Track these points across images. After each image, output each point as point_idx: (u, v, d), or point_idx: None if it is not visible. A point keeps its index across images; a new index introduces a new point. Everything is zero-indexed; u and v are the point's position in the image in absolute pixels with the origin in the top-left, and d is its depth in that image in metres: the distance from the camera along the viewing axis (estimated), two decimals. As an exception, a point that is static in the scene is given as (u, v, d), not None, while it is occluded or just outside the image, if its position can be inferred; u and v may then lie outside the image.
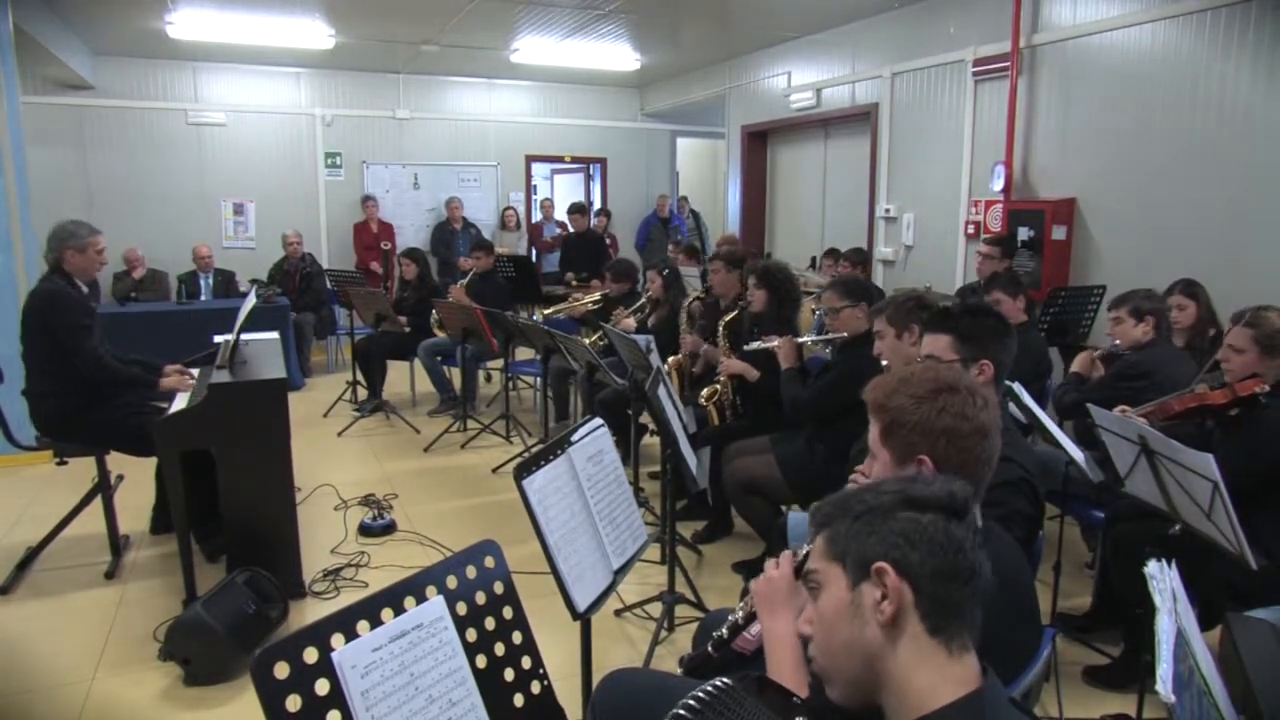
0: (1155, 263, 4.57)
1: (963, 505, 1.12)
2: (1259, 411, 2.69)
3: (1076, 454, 2.92)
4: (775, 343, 3.72)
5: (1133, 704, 2.52)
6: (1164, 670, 1.46)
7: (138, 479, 4.20)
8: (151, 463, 3.74)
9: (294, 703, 1.23)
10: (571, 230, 9.54)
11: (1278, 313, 2.77)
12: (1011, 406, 2.90)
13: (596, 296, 6.25)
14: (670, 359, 4.72)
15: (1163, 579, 1.59)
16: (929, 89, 6.32)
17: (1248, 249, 4.25)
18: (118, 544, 3.87)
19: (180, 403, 3.60)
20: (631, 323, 5.55)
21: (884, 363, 2.92)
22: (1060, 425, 3.17)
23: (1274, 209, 4.14)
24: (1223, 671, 1.65)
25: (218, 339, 4.20)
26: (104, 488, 3.79)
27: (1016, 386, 2.86)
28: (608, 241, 9.69)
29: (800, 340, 3.80)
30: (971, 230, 5.86)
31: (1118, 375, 3.46)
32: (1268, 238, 4.16)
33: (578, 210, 9.36)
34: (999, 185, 5.58)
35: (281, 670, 1.23)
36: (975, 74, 5.80)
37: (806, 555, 1.27)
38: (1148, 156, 4.75)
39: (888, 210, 6.80)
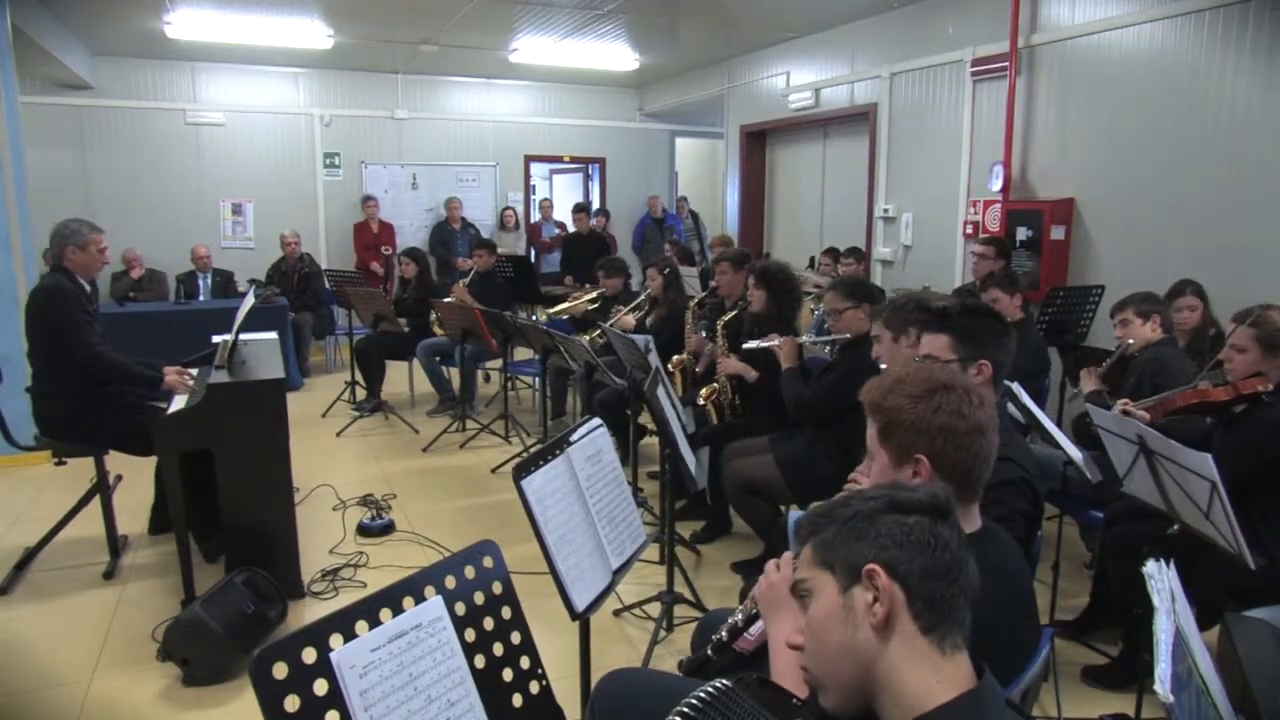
0: (1154, 263, 4.57)
1: (946, 506, 1.14)
2: (1261, 409, 2.70)
3: (1075, 454, 2.92)
4: (775, 342, 3.72)
5: (1131, 704, 2.53)
6: (1162, 670, 1.46)
7: (136, 479, 4.20)
8: (149, 463, 3.73)
9: (293, 703, 1.23)
10: (572, 230, 9.55)
11: (1279, 311, 2.78)
12: (1010, 406, 2.90)
13: (594, 295, 6.25)
14: (674, 358, 4.72)
15: (1161, 579, 1.59)
16: (928, 89, 6.32)
17: (1246, 248, 4.25)
18: (116, 544, 3.87)
19: (179, 403, 3.59)
20: (630, 320, 5.54)
21: (883, 366, 2.93)
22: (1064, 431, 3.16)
23: (1272, 208, 4.14)
24: (1221, 671, 1.65)
25: (216, 339, 4.20)
26: (102, 488, 3.78)
27: (1015, 386, 2.87)
28: (608, 241, 9.69)
29: (800, 340, 3.80)
30: (970, 230, 5.86)
31: (1143, 378, 3.39)
32: (1266, 237, 4.17)
33: (580, 210, 9.39)
34: (997, 185, 5.59)
35: (280, 670, 1.23)
36: (974, 74, 5.80)
37: None
38: (1146, 156, 4.75)
39: (886, 210, 6.80)
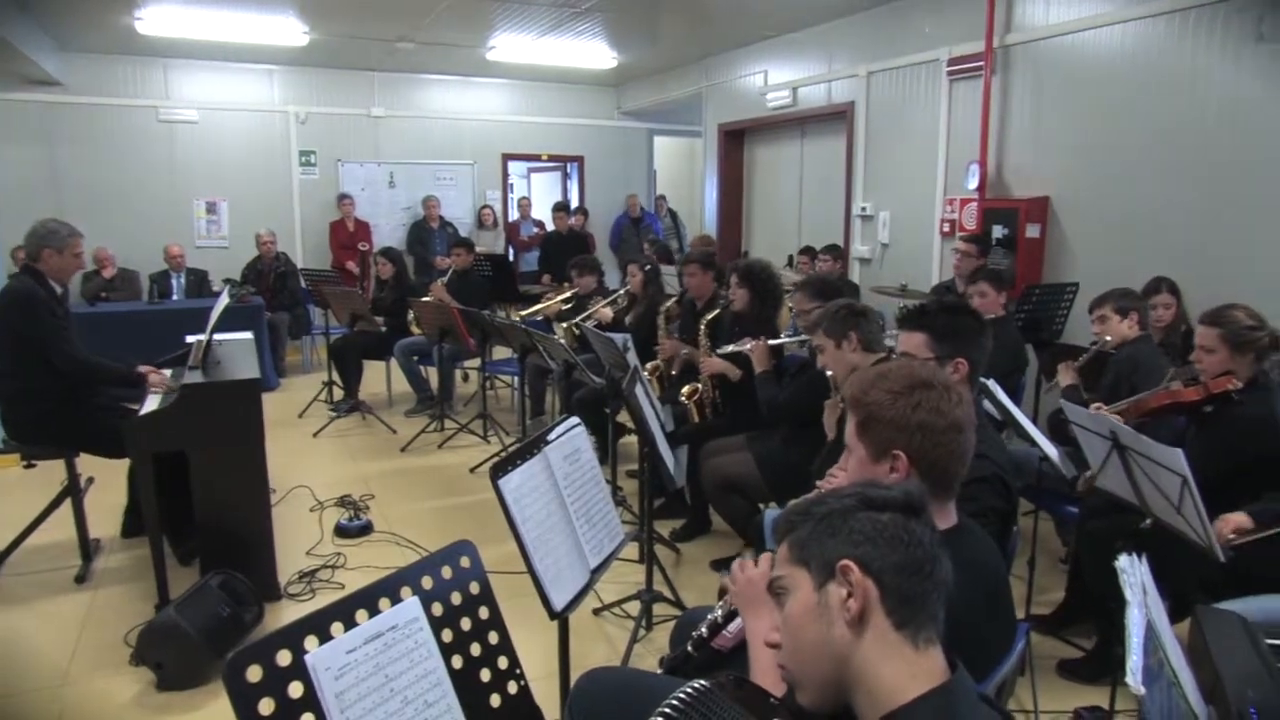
0: (1128, 261, 4.62)
1: (919, 503, 1.15)
2: (1232, 408, 2.74)
3: (1051, 450, 2.95)
4: (748, 346, 3.73)
5: (1107, 697, 2.56)
6: (1134, 663, 1.47)
7: (108, 481, 4.14)
8: (122, 465, 3.69)
9: (267, 706, 1.22)
10: (552, 229, 9.53)
11: (1243, 310, 2.82)
12: (985, 403, 2.92)
13: (568, 295, 6.23)
14: (649, 364, 4.72)
15: (1133, 572, 1.61)
16: (904, 88, 6.36)
17: (1220, 246, 4.31)
18: (88, 548, 3.81)
19: (152, 403, 3.55)
20: (608, 313, 5.53)
21: (829, 374, 2.96)
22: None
23: (1245, 206, 4.20)
24: (1192, 663, 1.67)
25: (190, 339, 4.15)
26: (73, 490, 3.73)
27: (991, 384, 2.89)
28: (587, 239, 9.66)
29: (777, 341, 3.82)
30: (947, 228, 5.91)
31: (1120, 376, 3.43)
32: (1240, 235, 4.22)
33: (561, 209, 9.37)
34: (973, 184, 5.63)
35: (254, 674, 1.22)
36: (950, 73, 5.85)
37: None
38: (1120, 155, 4.80)
39: (864, 208, 6.84)
